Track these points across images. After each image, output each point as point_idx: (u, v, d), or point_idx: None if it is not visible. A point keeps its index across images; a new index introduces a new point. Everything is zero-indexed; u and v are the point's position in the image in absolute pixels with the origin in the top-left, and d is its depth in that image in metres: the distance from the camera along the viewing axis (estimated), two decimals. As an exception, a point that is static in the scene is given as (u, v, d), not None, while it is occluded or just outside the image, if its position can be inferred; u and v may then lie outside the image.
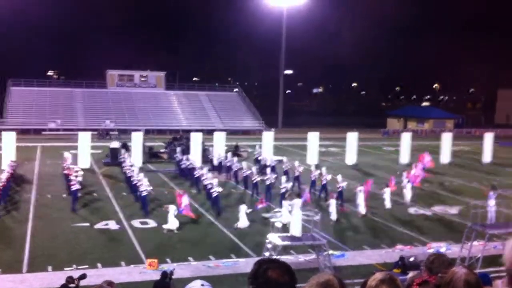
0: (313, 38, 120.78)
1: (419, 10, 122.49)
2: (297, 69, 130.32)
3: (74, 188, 25.89)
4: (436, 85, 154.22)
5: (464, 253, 18.72)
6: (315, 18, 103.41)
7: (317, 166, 32.69)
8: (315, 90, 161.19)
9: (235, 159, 35.25)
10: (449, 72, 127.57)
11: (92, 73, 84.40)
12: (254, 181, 29.62)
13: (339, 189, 27.28)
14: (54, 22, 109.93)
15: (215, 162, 37.98)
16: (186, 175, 34.17)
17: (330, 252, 18.47)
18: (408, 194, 29.20)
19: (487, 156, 45.81)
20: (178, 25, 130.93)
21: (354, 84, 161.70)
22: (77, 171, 28.43)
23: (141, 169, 32.52)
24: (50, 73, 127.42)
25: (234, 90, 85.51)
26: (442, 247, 20.75)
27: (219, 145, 41.53)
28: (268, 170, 30.57)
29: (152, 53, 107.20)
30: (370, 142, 59.34)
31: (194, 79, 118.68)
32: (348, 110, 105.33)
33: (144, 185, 25.67)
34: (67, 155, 33.77)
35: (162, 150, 44.52)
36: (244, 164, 33.09)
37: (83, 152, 38.96)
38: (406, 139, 46.02)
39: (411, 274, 7.41)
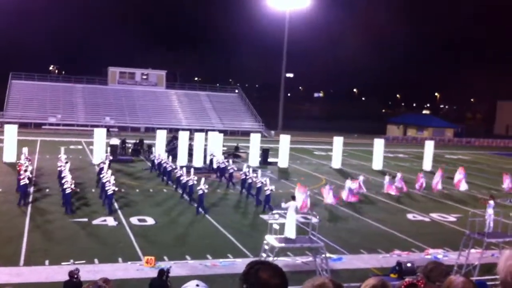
0: (315, 42, 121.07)
1: (424, 19, 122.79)
2: (298, 72, 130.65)
3: (22, 182, 25.55)
4: (436, 94, 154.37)
5: (462, 260, 18.72)
6: (318, 22, 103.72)
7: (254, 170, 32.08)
8: (315, 95, 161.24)
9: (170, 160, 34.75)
10: (450, 81, 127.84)
11: (93, 69, 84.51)
12: (183, 180, 28.81)
13: (267, 193, 26.89)
14: (57, 17, 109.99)
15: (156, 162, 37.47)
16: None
17: (328, 255, 18.45)
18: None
19: (427, 164, 45.59)
20: (180, 25, 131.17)
21: (355, 90, 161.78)
22: (26, 166, 27.96)
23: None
24: (51, 67, 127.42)
25: (235, 91, 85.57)
26: (440, 253, 20.76)
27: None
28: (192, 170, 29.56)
29: (154, 52, 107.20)
30: (370, 147, 59.27)
31: (195, 79, 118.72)
32: (348, 116, 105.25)
33: (110, 184, 25.13)
34: (25, 149, 33.43)
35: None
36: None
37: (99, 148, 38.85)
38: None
39: (408, 279, 7.36)
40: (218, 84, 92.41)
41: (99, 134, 39.49)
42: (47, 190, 28.65)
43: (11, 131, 38.25)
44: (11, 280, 15.81)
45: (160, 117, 71.23)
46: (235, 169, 33.61)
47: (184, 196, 28.42)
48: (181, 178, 28.92)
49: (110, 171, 27.40)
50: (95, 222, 22.87)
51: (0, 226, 21.68)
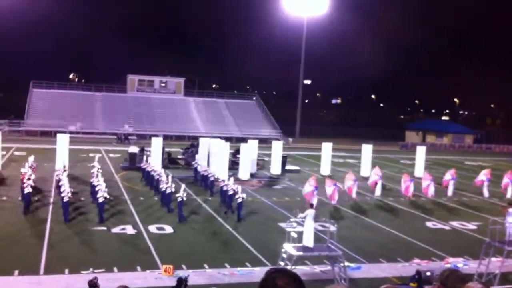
0: (333, 48, 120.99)
1: (441, 25, 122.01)
2: (316, 79, 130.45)
3: (26, 191, 25.75)
4: (455, 99, 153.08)
5: (482, 269, 18.52)
6: (336, 29, 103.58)
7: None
8: (333, 101, 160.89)
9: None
10: (469, 87, 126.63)
11: (113, 77, 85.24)
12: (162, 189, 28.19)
13: (238, 200, 26.37)
14: (77, 26, 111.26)
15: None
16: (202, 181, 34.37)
17: (346, 264, 18.38)
18: None
19: (419, 171, 43.98)
20: (199, 33, 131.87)
21: (373, 96, 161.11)
22: (30, 175, 28.01)
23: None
24: (71, 76, 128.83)
25: (253, 98, 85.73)
26: (459, 262, 20.56)
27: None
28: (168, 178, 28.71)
29: (172, 59, 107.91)
30: (387, 154, 59.10)
31: (213, 86, 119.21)
32: (367, 122, 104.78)
33: (102, 191, 25.02)
34: (30, 158, 33.71)
35: (179, 156, 44.73)
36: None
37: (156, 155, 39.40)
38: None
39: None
40: (235, 91, 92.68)
41: (157, 143, 40.08)
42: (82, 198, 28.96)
43: (62, 140, 39.21)
44: (32, 288, 16.01)
45: (179, 124, 71.59)
46: (216, 177, 33.26)
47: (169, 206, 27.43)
48: (160, 186, 28.37)
49: (102, 178, 27.42)
50: (114, 230, 23.05)
51: (21, 234, 21.97)
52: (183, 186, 26.74)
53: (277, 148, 43.12)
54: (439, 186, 35.34)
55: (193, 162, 38.79)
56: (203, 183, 34.17)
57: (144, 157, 37.73)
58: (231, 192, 27.40)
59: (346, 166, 47.36)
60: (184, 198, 26.00)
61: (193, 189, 33.37)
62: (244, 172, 38.61)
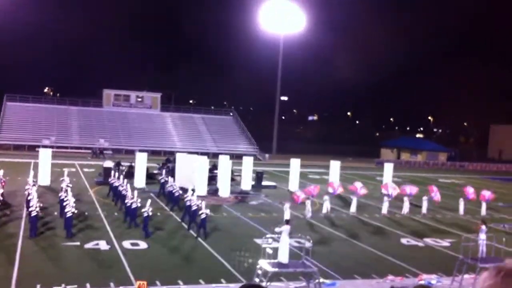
0: (309, 65, 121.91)
1: (416, 43, 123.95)
2: (293, 96, 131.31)
3: None
4: (430, 117, 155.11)
5: (455, 285, 18.69)
6: (312, 46, 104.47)
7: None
8: (310, 118, 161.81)
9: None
10: (443, 105, 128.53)
11: (88, 92, 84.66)
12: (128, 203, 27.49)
13: (202, 216, 25.80)
14: (52, 39, 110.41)
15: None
16: (169, 197, 33.86)
17: (321, 280, 18.36)
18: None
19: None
20: (176, 48, 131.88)
21: (348, 113, 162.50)
22: None
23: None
24: (46, 89, 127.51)
25: (230, 114, 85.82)
26: (433, 279, 20.70)
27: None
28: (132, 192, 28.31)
29: (149, 74, 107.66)
30: (363, 171, 59.56)
31: (190, 101, 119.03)
32: (343, 139, 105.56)
33: (69, 206, 24.64)
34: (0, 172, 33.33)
35: (155, 171, 44.45)
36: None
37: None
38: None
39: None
40: (212, 107, 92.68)
41: (140, 158, 40.45)
42: (86, 213, 28.80)
43: (45, 155, 39.08)
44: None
45: (155, 139, 71.22)
46: (181, 192, 32.49)
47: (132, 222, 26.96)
48: (126, 201, 27.93)
49: (71, 193, 27.08)
50: (87, 245, 22.72)
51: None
52: (149, 201, 26.49)
53: (248, 164, 43.00)
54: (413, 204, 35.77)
55: (160, 178, 38.33)
56: (169, 198, 33.83)
57: (113, 172, 37.07)
58: (194, 208, 27.11)
59: (323, 182, 47.48)
60: (150, 214, 25.77)
61: (165, 203, 33.31)
62: (223, 189, 38.37)
